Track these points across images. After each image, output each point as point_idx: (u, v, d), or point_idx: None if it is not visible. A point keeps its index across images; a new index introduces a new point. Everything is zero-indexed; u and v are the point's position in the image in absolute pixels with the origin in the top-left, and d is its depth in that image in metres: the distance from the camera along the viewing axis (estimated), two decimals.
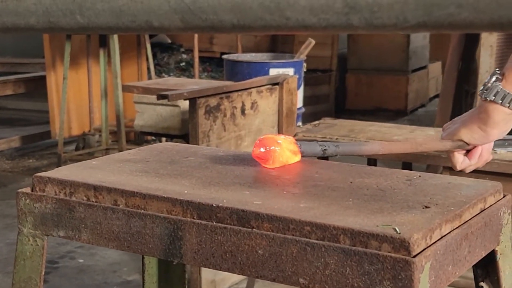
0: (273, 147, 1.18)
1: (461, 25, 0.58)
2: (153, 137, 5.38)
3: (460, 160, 1.48)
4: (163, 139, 4.94)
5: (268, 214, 0.98)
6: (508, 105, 1.36)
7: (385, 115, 7.36)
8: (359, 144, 1.34)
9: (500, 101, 1.36)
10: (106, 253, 3.57)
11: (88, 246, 3.62)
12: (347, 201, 1.03)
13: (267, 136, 1.21)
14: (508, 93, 1.36)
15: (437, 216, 0.96)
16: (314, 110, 6.70)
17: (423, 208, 1.00)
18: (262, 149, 1.19)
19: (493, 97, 1.36)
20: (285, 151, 1.19)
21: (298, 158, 1.22)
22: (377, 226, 0.92)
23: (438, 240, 0.93)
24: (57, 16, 0.77)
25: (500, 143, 2.61)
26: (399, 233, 0.89)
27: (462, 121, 1.46)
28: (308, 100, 6.47)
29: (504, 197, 1.12)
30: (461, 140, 1.45)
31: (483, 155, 1.48)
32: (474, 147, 1.46)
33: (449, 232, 0.96)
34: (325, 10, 0.63)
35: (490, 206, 1.08)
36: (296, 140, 1.23)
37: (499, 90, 1.36)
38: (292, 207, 1.00)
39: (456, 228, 0.98)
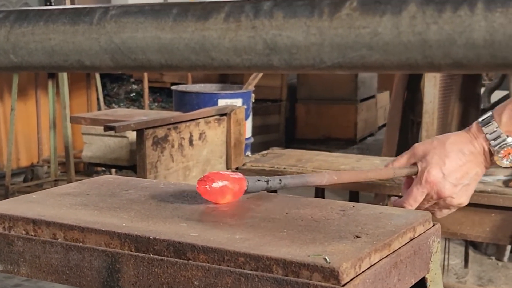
0: (219, 184, 1.18)
1: (373, 66, 0.62)
2: (103, 168, 5.36)
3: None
4: (113, 170, 4.92)
5: (203, 245, 1.00)
6: (493, 142, 1.31)
7: (335, 144, 7.46)
8: (305, 176, 1.31)
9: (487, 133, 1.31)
10: (53, 286, 3.52)
11: (35, 279, 3.57)
12: (281, 231, 1.06)
13: (214, 172, 1.19)
14: (502, 134, 1.31)
15: (367, 245, 1.00)
16: (264, 140, 6.75)
17: (354, 238, 1.03)
18: (214, 185, 1.17)
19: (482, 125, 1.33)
20: (232, 188, 1.18)
21: (241, 194, 1.21)
22: (309, 256, 0.95)
23: (367, 268, 0.96)
24: None
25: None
26: (329, 262, 0.92)
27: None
28: (258, 130, 6.52)
29: (433, 226, 1.16)
30: (414, 165, 1.40)
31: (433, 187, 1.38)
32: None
33: (379, 261, 0.99)
34: (248, 51, 0.67)
35: (420, 235, 1.12)
36: (244, 173, 1.22)
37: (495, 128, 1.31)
38: (228, 239, 1.03)
39: (386, 257, 1.01)
